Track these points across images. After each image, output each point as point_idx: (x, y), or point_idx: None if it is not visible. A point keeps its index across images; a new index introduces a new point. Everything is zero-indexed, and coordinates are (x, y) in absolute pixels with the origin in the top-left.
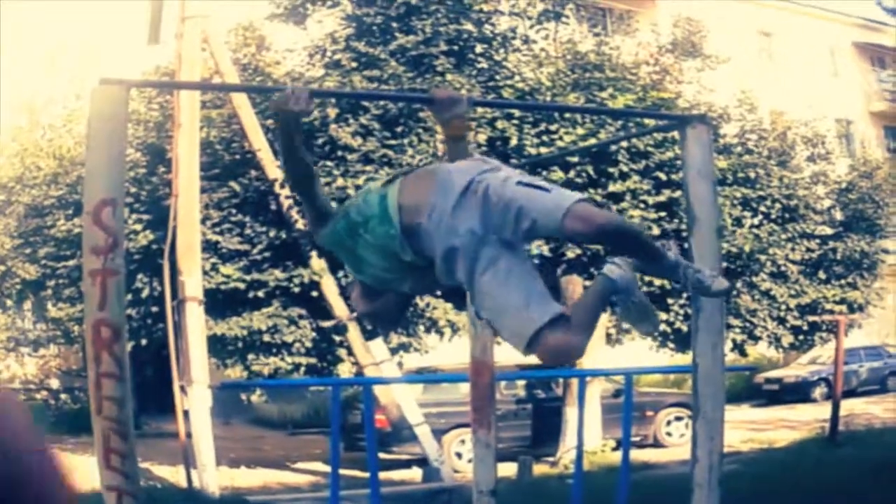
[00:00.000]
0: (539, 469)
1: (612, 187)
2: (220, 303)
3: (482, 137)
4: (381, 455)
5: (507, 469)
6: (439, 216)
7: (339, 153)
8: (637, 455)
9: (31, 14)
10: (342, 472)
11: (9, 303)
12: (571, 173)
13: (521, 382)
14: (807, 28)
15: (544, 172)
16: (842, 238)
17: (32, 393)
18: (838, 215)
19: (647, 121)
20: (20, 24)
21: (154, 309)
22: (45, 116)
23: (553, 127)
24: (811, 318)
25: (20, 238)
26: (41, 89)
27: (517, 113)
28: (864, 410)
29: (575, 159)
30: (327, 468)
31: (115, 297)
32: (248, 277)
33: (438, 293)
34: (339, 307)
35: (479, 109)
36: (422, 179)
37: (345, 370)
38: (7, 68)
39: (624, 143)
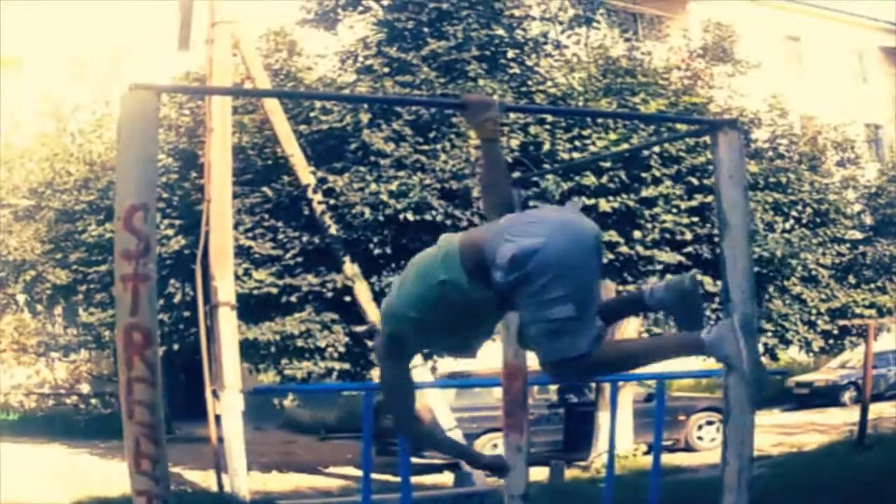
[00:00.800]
0: (571, 473)
1: (644, 192)
2: (252, 307)
3: (515, 143)
4: (413, 459)
5: (539, 473)
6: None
7: (372, 158)
8: (668, 459)
9: (59, 19)
10: (374, 476)
11: (39, 308)
12: (604, 178)
13: (554, 387)
14: (834, 33)
15: (577, 178)
16: (871, 242)
17: (62, 398)
18: (868, 220)
19: (678, 125)
20: (46, 30)
21: (186, 314)
22: (74, 122)
23: (585, 132)
24: (841, 322)
25: (51, 243)
26: (68, 95)
27: (550, 118)
28: (894, 414)
29: (607, 164)
30: (359, 473)
31: (146, 302)
32: (280, 282)
33: None
34: (372, 312)
35: (512, 115)
36: (477, 250)
37: (377, 375)
38: (33, 75)
39: (656, 148)
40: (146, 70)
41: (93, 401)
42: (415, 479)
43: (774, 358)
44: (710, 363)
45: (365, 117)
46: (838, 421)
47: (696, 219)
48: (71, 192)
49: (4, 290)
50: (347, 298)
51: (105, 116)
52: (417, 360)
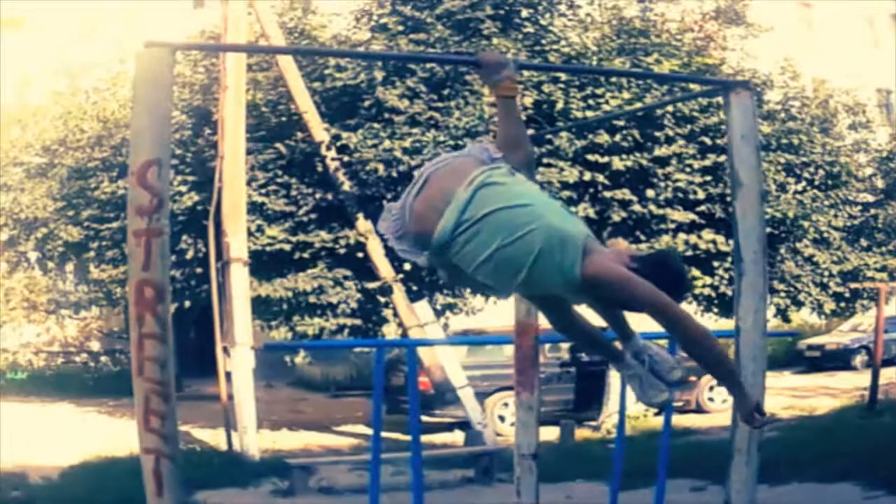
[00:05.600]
0: (581, 433)
1: (657, 151)
2: (265, 264)
3: (529, 101)
4: (424, 418)
5: (550, 433)
6: None
7: (386, 115)
8: (679, 420)
9: None
10: (384, 434)
11: (50, 265)
12: (618, 137)
13: (566, 345)
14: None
15: (590, 136)
16: (883, 206)
17: (72, 356)
18: (879, 183)
19: (691, 86)
20: None
21: (198, 270)
22: (88, 80)
23: (599, 91)
24: (853, 285)
25: (63, 200)
26: (81, 54)
27: (563, 76)
28: None
29: (621, 123)
30: (369, 431)
31: (159, 258)
32: (293, 238)
33: None
34: (385, 268)
35: (526, 73)
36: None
37: (390, 331)
38: (40, 33)
39: (669, 108)
40: (161, 28)
41: (102, 358)
42: (425, 438)
43: (786, 319)
44: (722, 324)
45: (379, 74)
46: (849, 385)
47: (708, 178)
48: (84, 150)
49: (16, 247)
50: (360, 255)
51: (120, 74)
52: (429, 317)
